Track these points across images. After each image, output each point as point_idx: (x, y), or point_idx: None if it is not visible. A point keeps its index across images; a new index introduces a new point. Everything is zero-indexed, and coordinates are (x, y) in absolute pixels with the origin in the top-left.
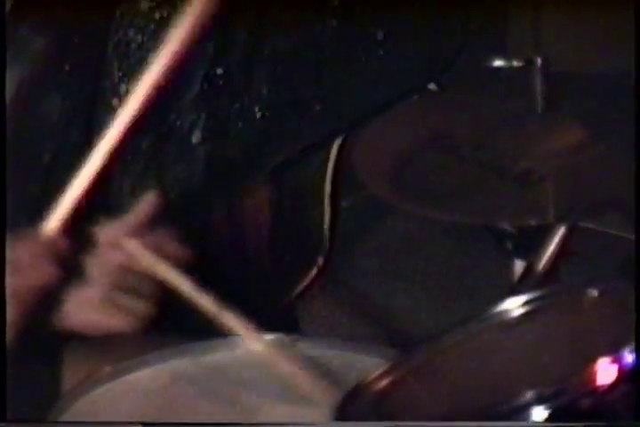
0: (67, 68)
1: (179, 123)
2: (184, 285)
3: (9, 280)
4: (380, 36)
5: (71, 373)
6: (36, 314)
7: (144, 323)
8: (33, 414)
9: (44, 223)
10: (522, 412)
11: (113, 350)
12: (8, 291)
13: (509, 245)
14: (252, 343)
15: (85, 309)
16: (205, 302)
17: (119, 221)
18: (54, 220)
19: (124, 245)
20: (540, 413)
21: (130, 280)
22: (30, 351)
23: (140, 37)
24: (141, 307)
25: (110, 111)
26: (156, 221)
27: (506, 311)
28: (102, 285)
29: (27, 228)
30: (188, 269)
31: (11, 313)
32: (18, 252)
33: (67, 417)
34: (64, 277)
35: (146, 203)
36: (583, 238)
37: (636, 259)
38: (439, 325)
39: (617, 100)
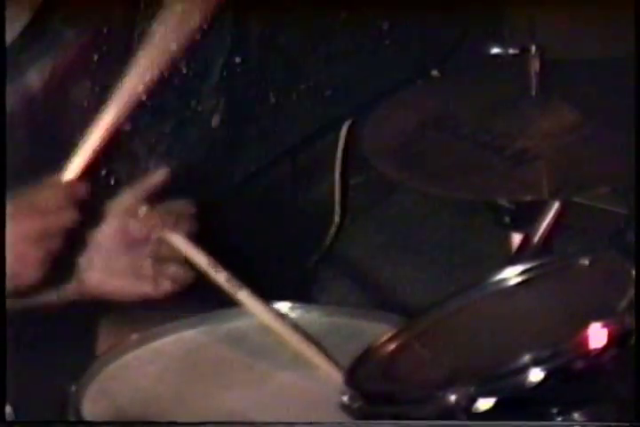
0: (95, 57)
1: (200, 108)
2: (200, 259)
3: (30, 224)
4: (385, 26)
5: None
6: (56, 262)
7: (181, 287)
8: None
9: (65, 173)
10: (520, 373)
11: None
12: (30, 234)
13: (507, 219)
14: (263, 313)
15: (120, 275)
16: (219, 276)
17: (135, 189)
18: (73, 167)
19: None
20: (536, 374)
21: (164, 248)
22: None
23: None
24: (180, 273)
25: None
26: (169, 194)
27: (504, 280)
28: (143, 253)
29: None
30: (206, 242)
31: (32, 257)
32: (39, 196)
33: (99, 380)
34: (84, 224)
35: (156, 175)
36: (575, 212)
37: (635, 254)
38: (442, 293)
39: (606, 85)
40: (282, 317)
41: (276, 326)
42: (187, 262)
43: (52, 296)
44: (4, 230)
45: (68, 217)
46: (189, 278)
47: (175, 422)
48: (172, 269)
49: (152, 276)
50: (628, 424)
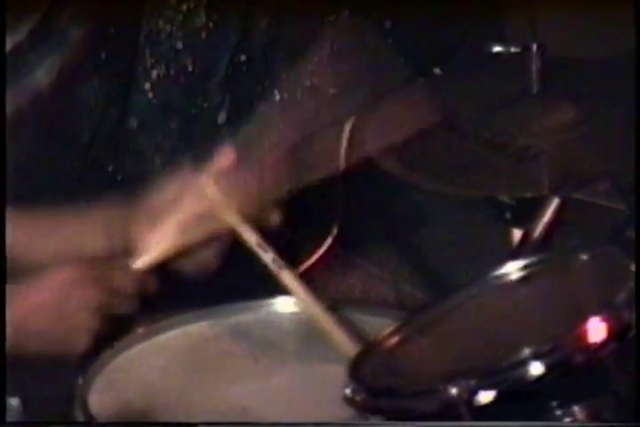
0: (103, 55)
1: (206, 105)
2: (251, 237)
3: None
4: (388, 25)
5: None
6: None
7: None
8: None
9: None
10: (520, 367)
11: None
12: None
13: (508, 215)
14: (301, 294)
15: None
16: (267, 256)
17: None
18: (147, 258)
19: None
20: (536, 367)
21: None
22: None
23: (168, 27)
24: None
25: (143, 94)
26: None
27: (505, 275)
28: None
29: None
30: None
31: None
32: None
33: (105, 373)
34: None
35: (225, 153)
36: (575, 209)
37: (636, 248)
38: (444, 287)
39: (606, 82)
40: (319, 300)
41: (312, 308)
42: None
43: None
44: (4, 230)
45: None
46: (219, 259)
47: (175, 423)
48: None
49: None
50: (628, 424)
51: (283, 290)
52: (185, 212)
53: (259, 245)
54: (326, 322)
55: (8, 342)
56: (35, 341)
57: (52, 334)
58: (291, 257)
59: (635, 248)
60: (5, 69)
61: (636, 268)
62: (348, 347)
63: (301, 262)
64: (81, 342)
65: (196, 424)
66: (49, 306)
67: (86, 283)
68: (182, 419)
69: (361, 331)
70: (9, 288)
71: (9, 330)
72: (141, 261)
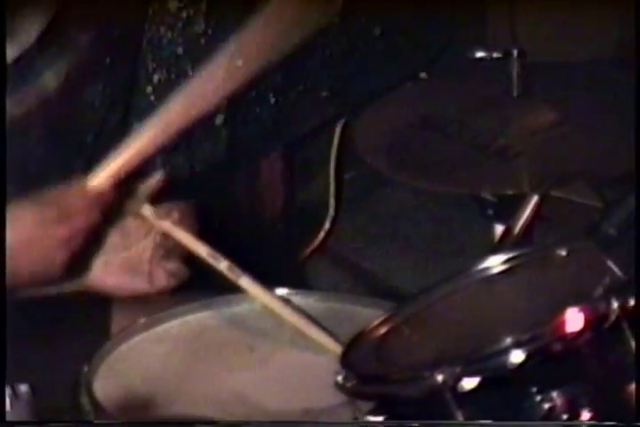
0: (107, 60)
1: None
2: (202, 250)
3: (58, 228)
4: (377, 31)
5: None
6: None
7: (179, 283)
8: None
9: (92, 178)
10: (502, 355)
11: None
12: (59, 237)
13: (490, 212)
14: (264, 296)
15: (118, 271)
16: (222, 265)
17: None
18: (101, 174)
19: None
20: (517, 355)
21: (165, 246)
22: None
23: (169, 34)
24: (177, 268)
25: (145, 97)
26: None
27: (487, 268)
28: (141, 250)
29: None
30: (208, 234)
31: (60, 258)
32: (68, 200)
33: (109, 361)
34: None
35: (154, 178)
36: (554, 206)
37: (636, 249)
38: (430, 280)
39: (583, 86)
40: (282, 300)
41: (277, 307)
42: (188, 255)
43: (51, 290)
44: (5, 231)
45: (94, 221)
46: (187, 274)
47: (172, 422)
48: (171, 265)
49: (149, 272)
50: (628, 424)
51: (275, 283)
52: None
53: (210, 255)
54: (295, 322)
55: None
56: (14, 280)
57: (27, 271)
58: (285, 252)
59: (635, 248)
60: (6, 71)
61: (636, 268)
62: (318, 340)
63: (296, 256)
64: (55, 275)
65: (193, 424)
66: (19, 245)
67: (51, 217)
68: (182, 404)
69: (329, 318)
70: None
71: None
72: (95, 178)
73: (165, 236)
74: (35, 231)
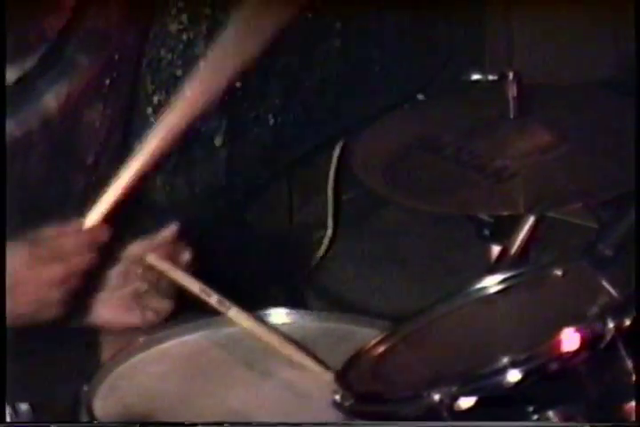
0: (107, 81)
1: (203, 128)
2: (194, 287)
3: (53, 268)
4: (375, 53)
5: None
6: (76, 300)
7: (164, 318)
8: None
9: (86, 216)
10: (498, 374)
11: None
12: (53, 278)
13: (487, 232)
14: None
15: (112, 308)
16: (212, 299)
17: (144, 241)
18: (96, 213)
19: (145, 257)
20: (514, 374)
21: (151, 284)
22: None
23: (170, 55)
24: (162, 305)
25: (145, 118)
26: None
27: (484, 288)
28: (127, 287)
29: (71, 221)
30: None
31: (54, 299)
32: (63, 241)
33: (109, 381)
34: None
35: (168, 231)
36: (549, 226)
37: (636, 263)
38: (427, 300)
39: (578, 108)
40: (270, 327)
41: (266, 335)
42: (176, 289)
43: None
44: (5, 232)
45: (90, 261)
46: (170, 309)
47: (172, 423)
48: (154, 301)
49: (138, 308)
50: (628, 424)
51: (274, 303)
52: None
53: (202, 291)
54: (286, 350)
55: None
56: (12, 319)
57: (23, 310)
58: (283, 271)
59: (635, 251)
60: (5, 81)
61: (636, 271)
62: (308, 366)
63: (294, 276)
64: (50, 314)
65: (196, 424)
66: (14, 285)
67: (46, 257)
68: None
69: (326, 337)
70: None
71: None
72: (90, 218)
73: (161, 274)
74: (29, 271)
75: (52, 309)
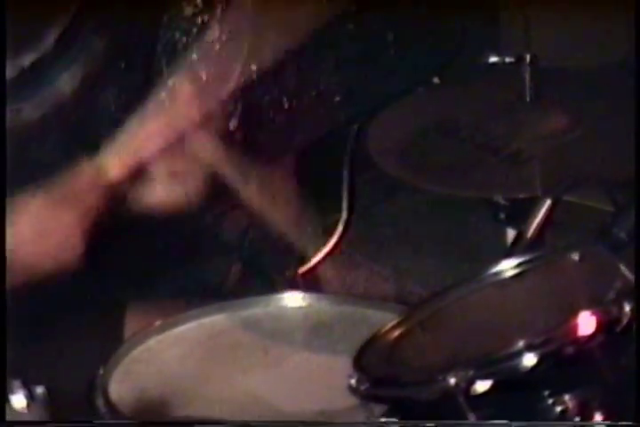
0: (122, 65)
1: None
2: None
3: (71, 209)
4: (390, 37)
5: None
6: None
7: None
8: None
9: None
10: (514, 358)
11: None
12: (71, 219)
13: (502, 216)
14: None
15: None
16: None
17: None
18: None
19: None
20: (530, 358)
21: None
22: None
23: (184, 39)
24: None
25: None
26: None
27: (500, 272)
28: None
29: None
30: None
31: (76, 238)
32: (76, 184)
33: (125, 363)
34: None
35: None
36: (566, 210)
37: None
38: (442, 284)
39: (594, 90)
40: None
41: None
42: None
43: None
44: (4, 231)
45: (105, 200)
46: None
47: (173, 423)
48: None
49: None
50: (628, 424)
51: (291, 286)
52: None
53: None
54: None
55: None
56: (29, 266)
57: (49, 255)
58: (298, 255)
59: (635, 250)
60: (5, 68)
61: (636, 269)
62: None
63: (308, 260)
64: (75, 255)
65: (193, 424)
66: (32, 232)
67: (62, 200)
68: (197, 406)
69: (343, 321)
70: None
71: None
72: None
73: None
74: (47, 216)
75: (75, 249)
